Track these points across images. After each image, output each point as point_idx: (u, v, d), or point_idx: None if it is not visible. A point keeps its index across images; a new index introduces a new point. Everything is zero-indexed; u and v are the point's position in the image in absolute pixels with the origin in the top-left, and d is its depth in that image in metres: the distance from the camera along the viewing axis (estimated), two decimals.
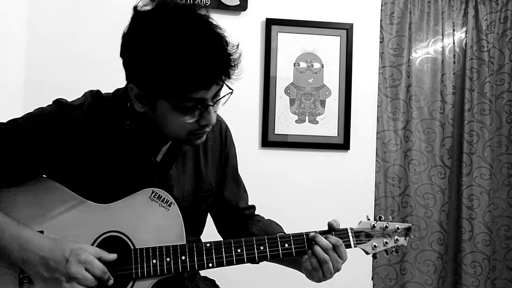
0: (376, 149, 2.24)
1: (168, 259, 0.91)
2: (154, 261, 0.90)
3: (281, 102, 2.17)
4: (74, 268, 0.83)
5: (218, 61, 0.81)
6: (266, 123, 2.15)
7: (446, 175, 2.26)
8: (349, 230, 1.02)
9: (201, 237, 1.13)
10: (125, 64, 0.87)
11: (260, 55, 2.15)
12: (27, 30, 1.98)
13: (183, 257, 0.91)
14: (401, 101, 2.26)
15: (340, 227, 1.02)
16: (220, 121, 1.15)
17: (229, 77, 0.84)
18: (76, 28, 2.01)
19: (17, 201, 0.91)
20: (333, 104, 2.20)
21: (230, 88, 0.88)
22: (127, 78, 0.88)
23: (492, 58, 2.31)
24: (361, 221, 1.04)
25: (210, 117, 0.87)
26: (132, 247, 0.92)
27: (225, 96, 0.89)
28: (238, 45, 0.84)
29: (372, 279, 2.21)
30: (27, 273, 0.87)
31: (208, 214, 1.17)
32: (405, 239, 1.03)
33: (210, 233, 1.15)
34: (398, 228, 1.02)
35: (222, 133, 1.13)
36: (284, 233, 1.12)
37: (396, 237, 1.01)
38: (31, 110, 0.95)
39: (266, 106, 2.16)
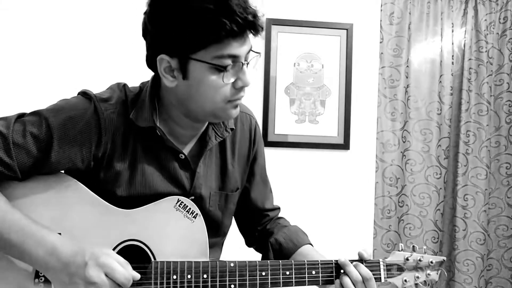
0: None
1: (189, 276, 0.86)
2: (175, 277, 0.86)
3: (281, 102, 2.19)
4: (92, 271, 0.77)
5: (247, 8, 0.80)
6: (266, 123, 2.16)
7: (442, 175, 2.30)
8: (381, 263, 0.95)
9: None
10: (150, 37, 0.86)
11: (260, 55, 2.15)
12: (27, 29, 1.97)
13: (205, 276, 0.87)
14: (399, 101, 2.28)
15: (372, 259, 0.95)
16: (250, 115, 1.10)
17: (257, 30, 0.82)
18: (76, 28, 2.01)
19: (36, 200, 0.87)
20: (333, 104, 2.21)
21: (256, 52, 0.87)
22: (154, 53, 0.85)
23: (491, 58, 2.32)
24: (394, 252, 0.97)
25: (245, 78, 0.85)
26: (152, 259, 0.88)
27: (253, 58, 0.87)
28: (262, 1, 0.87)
29: None
30: (50, 280, 0.82)
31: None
32: (437, 273, 0.97)
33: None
34: (432, 262, 0.96)
35: (252, 128, 1.09)
36: (310, 243, 1.10)
37: (428, 271, 0.96)
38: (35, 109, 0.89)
39: (266, 106, 2.17)
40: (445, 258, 1.00)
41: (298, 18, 2.17)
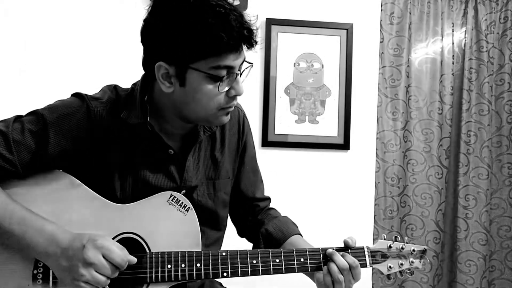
0: (376, 149, 2.25)
1: (183, 265, 0.91)
2: (169, 266, 0.90)
3: (281, 102, 2.18)
4: (90, 253, 0.81)
5: (244, 24, 0.85)
6: (266, 123, 2.15)
7: (443, 175, 2.29)
8: (365, 249, 0.99)
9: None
10: (149, 44, 0.89)
11: (260, 55, 2.15)
12: (25, 30, 1.97)
13: (198, 265, 0.92)
14: (400, 101, 2.28)
15: (356, 245, 0.99)
16: (238, 108, 1.13)
17: (252, 45, 0.87)
18: (74, 29, 2.01)
19: (35, 195, 0.91)
20: (333, 104, 2.21)
21: (249, 62, 0.92)
22: (152, 60, 0.89)
23: (491, 58, 2.32)
24: (377, 240, 1.02)
25: (239, 87, 0.90)
26: (147, 250, 0.92)
27: (246, 68, 0.92)
28: (257, 16, 0.90)
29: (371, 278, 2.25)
30: (50, 268, 0.86)
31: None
32: (420, 262, 1.02)
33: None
34: (414, 250, 1.02)
35: (240, 120, 1.13)
36: (299, 233, 1.13)
37: (411, 259, 1.01)
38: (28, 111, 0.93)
39: (266, 106, 2.16)
40: (426, 247, 1.05)
41: (298, 18, 2.17)
